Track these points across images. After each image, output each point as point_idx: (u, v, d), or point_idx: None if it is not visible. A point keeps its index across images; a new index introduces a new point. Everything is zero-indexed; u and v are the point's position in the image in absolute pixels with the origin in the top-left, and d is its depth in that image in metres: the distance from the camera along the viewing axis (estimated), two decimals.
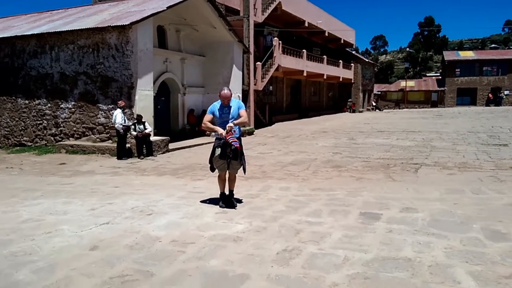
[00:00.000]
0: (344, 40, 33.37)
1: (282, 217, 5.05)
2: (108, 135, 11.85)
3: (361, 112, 36.35)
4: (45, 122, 13.00)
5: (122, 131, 10.45)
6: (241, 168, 5.64)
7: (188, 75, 15.62)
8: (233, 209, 5.48)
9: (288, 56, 22.74)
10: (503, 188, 6.36)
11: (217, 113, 5.51)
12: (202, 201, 5.95)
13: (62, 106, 12.59)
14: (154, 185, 7.29)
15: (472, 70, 43.31)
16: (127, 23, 10.91)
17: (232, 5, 18.77)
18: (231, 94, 5.54)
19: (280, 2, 20.64)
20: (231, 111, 5.47)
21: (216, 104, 5.56)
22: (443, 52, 49.78)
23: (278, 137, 15.69)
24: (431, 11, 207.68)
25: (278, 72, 22.65)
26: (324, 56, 28.73)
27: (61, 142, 12.32)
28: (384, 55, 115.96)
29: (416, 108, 44.05)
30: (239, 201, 5.82)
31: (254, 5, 18.10)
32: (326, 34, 29.18)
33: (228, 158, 5.45)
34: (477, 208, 5.23)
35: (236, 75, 16.22)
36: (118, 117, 10.44)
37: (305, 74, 25.24)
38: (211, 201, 5.94)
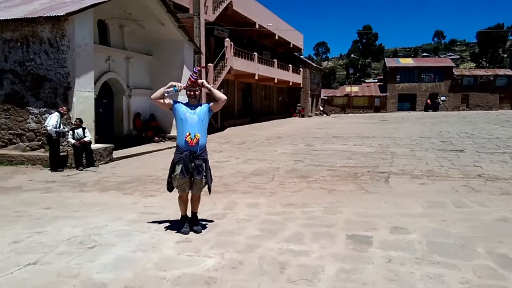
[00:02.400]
0: (293, 44, 33.36)
1: (259, 245, 4.21)
2: (40, 143, 10.26)
3: (310, 116, 36.60)
4: None
5: (55, 135, 8.99)
6: (206, 187, 4.74)
7: (134, 76, 14.27)
8: (198, 235, 4.55)
9: (240, 59, 22.01)
10: (482, 199, 6.03)
11: (179, 109, 4.55)
12: (158, 226, 4.94)
13: None
14: (96, 204, 6.11)
15: (411, 76, 45.61)
16: (62, 13, 9.49)
17: (181, 2, 17.64)
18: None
19: (231, 1, 19.85)
20: (198, 110, 4.57)
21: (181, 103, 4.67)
22: (385, 59, 52.07)
23: (232, 143, 14.85)
24: (368, 20, 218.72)
25: (230, 75, 21.85)
26: (275, 60, 28.41)
27: None
28: (326, 62, 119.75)
29: (360, 113, 45.40)
30: (204, 225, 4.88)
31: (205, 2, 17.14)
32: (276, 37, 28.90)
33: (191, 175, 4.53)
34: (470, 226, 4.77)
35: (187, 77, 15.05)
36: (53, 119, 8.99)
37: (256, 77, 24.68)
38: (170, 225, 4.95)
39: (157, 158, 11.29)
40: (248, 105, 28.51)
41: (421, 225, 4.83)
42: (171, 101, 4.64)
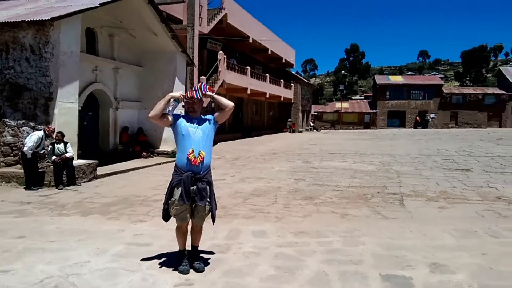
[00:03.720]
0: (285, 60, 33.05)
1: None
2: (16, 158, 9.32)
3: (300, 132, 36.10)
4: None
5: (30, 156, 8.12)
6: (209, 215, 3.97)
7: (122, 87, 13.46)
8: (200, 275, 3.75)
9: (233, 72, 21.43)
10: None
11: (180, 124, 3.80)
12: (150, 262, 4.11)
13: None
14: (77, 232, 5.25)
15: (401, 93, 45.76)
16: (47, 18, 8.70)
17: (174, 13, 17.02)
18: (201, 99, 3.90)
19: (226, 14, 19.35)
20: (202, 124, 3.82)
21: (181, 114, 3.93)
22: (375, 76, 52.27)
23: (226, 160, 14.06)
24: (355, 39, 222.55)
25: (221, 89, 21.18)
26: (267, 75, 27.95)
27: None
28: (314, 78, 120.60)
29: (350, 129, 45.17)
30: (206, 261, 4.09)
31: (200, 14, 16.54)
32: (269, 52, 28.49)
33: (193, 200, 3.76)
34: None
35: (179, 89, 14.29)
36: (32, 140, 8.10)
37: (249, 92, 24.10)
38: (165, 260, 4.14)
39: (145, 176, 10.43)
40: (239, 120, 27.83)
41: (462, 261, 4.12)
42: (171, 116, 3.88)
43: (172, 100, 3.82)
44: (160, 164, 12.58)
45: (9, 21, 9.25)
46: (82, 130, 11.79)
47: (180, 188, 3.69)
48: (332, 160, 13.43)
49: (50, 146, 8.45)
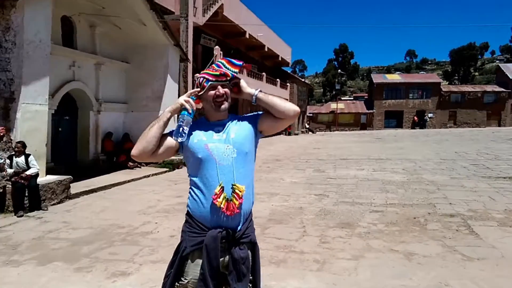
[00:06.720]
0: (281, 58, 31.37)
1: None
2: None
3: (296, 134, 34.42)
4: None
5: None
6: None
7: (106, 87, 11.58)
8: None
9: None
10: None
11: (192, 141, 1.99)
12: None
13: None
14: None
15: (398, 93, 44.43)
16: None
17: (166, 4, 15.14)
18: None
19: (222, 5, 17.53)
20: (232, 131, 2.04)
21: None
22: (371, 75, 50.98)
23: None
24: (342, 40, 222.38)
25: None
26: (264, 74, 26.23)
27: None
28: (303, 79, 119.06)
29: (346, 130, 43.67)
30: None
31: (194, 3, 14.69)
32: (266, 49, 26.77)
33: (222, 279, 1.99)
34: None
35: (171, 88, 12.55)
36: None
37: None
38: None
39: (131, 193, 8.58)
40: None
41: None
42: (176, 140, 1.99)
43: (182, 115, 1.97)
44: (149, 176, 10.73)
45: None
46: (56, 137, 10.00)
47: (198, 261, 1.92)
48: (347, 168, 11.76)
49: (8, 160, 6.57)
